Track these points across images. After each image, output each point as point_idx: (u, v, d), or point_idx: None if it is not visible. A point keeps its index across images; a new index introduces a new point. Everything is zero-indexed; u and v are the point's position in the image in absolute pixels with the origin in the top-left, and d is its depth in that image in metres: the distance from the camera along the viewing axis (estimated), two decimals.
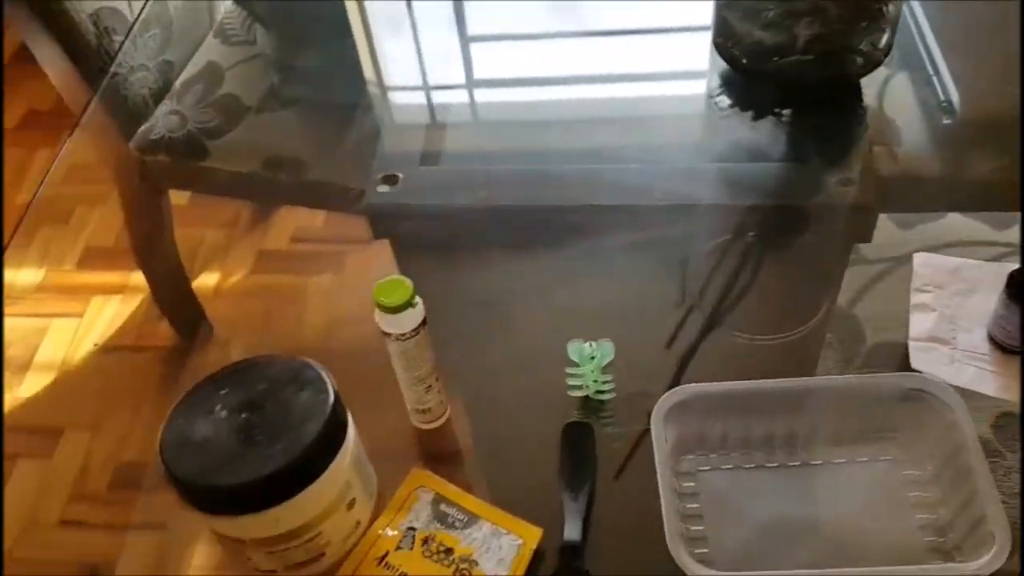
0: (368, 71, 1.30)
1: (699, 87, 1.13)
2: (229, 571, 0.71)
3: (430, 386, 0.75)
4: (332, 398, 0.65)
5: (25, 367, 1.63)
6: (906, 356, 0.80)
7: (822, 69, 0.96)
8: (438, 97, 1.22)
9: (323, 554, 0.68)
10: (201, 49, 1.33)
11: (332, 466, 0.64)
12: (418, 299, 0.69)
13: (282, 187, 1.20)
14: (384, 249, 1.04)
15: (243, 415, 0.64)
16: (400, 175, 1.00)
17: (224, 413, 0.64)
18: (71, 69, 1.35)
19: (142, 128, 1.42)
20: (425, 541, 0.72)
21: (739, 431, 0.74)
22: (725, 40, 1.01)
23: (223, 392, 0.66)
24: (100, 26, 1.34)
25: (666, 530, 0.65)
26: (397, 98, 1.26)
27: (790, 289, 0.90)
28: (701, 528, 0.71)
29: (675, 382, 0.75)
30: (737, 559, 0.67)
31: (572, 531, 0.71)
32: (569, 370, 0.78)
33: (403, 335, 0.69)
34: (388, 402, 0.77)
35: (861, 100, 1.02)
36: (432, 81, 1.24)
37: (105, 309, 1.76)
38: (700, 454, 0.75)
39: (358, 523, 0.71)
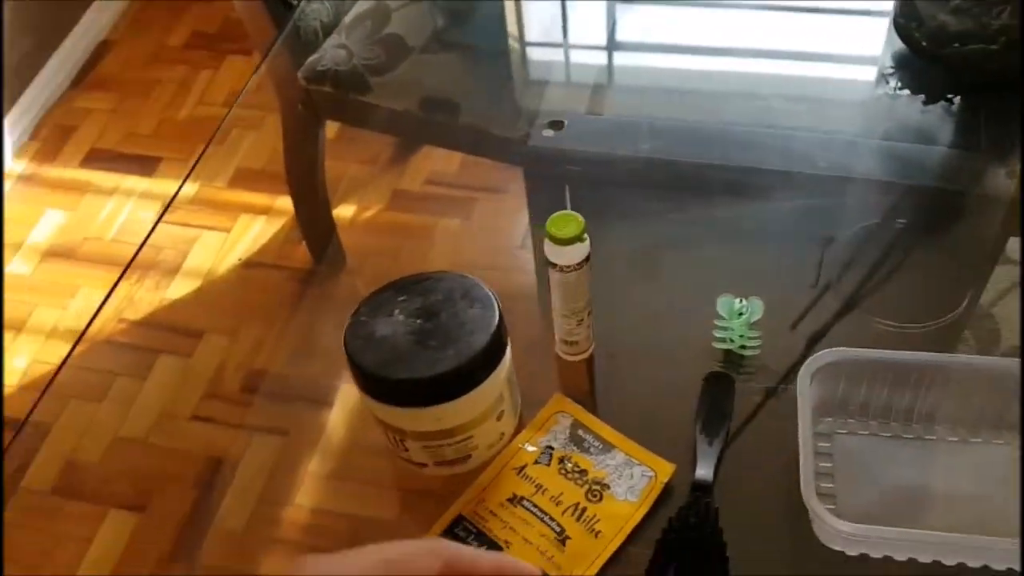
0: (526, 27, 1.33)
1: (871, 67, 1.13)
2: (385, 459, 0.77)
3: (582, 320, 0.79)
4: (497, 316, 0.69)
5: (175, 271, 1.74)
6: None
7: (1005, 58, 0.95)
8: (604, 58, 1.24)
9: (470, 456, 0.73)
10: None
11: (491, 377, 0.69)
12: (586, 235, 0.72)
13: (436, 128, 1.25)
14: (513, 199, 1.09)
15: (418, 321, 0.70)
16: (565, 121, 1.04)
17: (402, 317, 0.70)
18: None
19: (310, 59, 1.49)
20: (561, 460, 0.76)
21: (881, 400, 0.75)
22: (907, 21, 1.01)
23: (401, 299, 0.71)
24: None
25: (801, 476, 0.67)
26: (559, 54, 1.29)
27: (934, 279, 0.90)
28: (831, 486, 0.73)
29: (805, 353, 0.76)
30: (863, 519, 0.69)
31: (705, 471, 0.74)
32: (718, 322, 0.80)
33: (568, 267, 0.73)
34: (527, 335, 0.81)
35: None
36: (598, 41, 1.27)
37: (250, 227, 1.87)
38: (839, 418, 0.76)
39: (503, 434, 0.75)
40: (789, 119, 1.06)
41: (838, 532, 0.66)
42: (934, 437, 0.76)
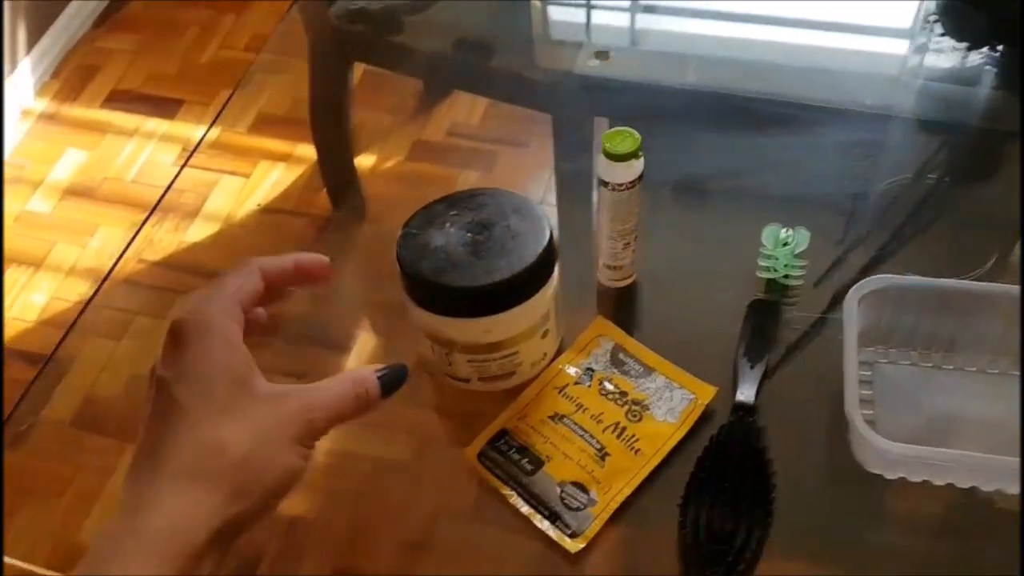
0: None
1: (911, 10, 1.12)
2: (426, 375, 0.77)
3: (628, 243, 0.79)
4: (548, 231, 0.70)
5: (194, 214, 1.74)
6: None
7: None
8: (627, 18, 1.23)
9: (514, 373, 0.74)
10: None
11: (540, 293, 0.70)
12: (641, 152, 0.73)
13: (472, 70, 1.24)
14: (536, 153, 1.08)
15: (470, 234, 0.70)
16: (611, 51, 1.04)
17: (453, 229, 0.70)
18: None
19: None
20: (602, 382, 0.77)
21: (924, 329, 0.76)
22: None
23: (453, 213, 0.72)
24: None
25: (846, 397, 0.68)
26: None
27: (975, 228, 0.90)
28: (871, 412, 0.74)
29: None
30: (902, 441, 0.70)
31: (747, 393, 0.74)
32: (763, 251, 0.81)
33: (621, 185, 0.73)
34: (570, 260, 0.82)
35: None
36: None
37: (270, 173, 1.86)
38: (881, 347, 0.77)
39: (545, 354, 0.76)
40: (832, 64, 1.06)
41: (882, 452, 0.67)
42: (974, 368, 0.76)
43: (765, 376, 0.76)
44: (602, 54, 1.04)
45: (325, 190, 1.23)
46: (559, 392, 0.76)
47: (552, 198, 1.00)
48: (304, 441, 0.45)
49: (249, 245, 1.23)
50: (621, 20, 1.20)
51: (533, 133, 1.13)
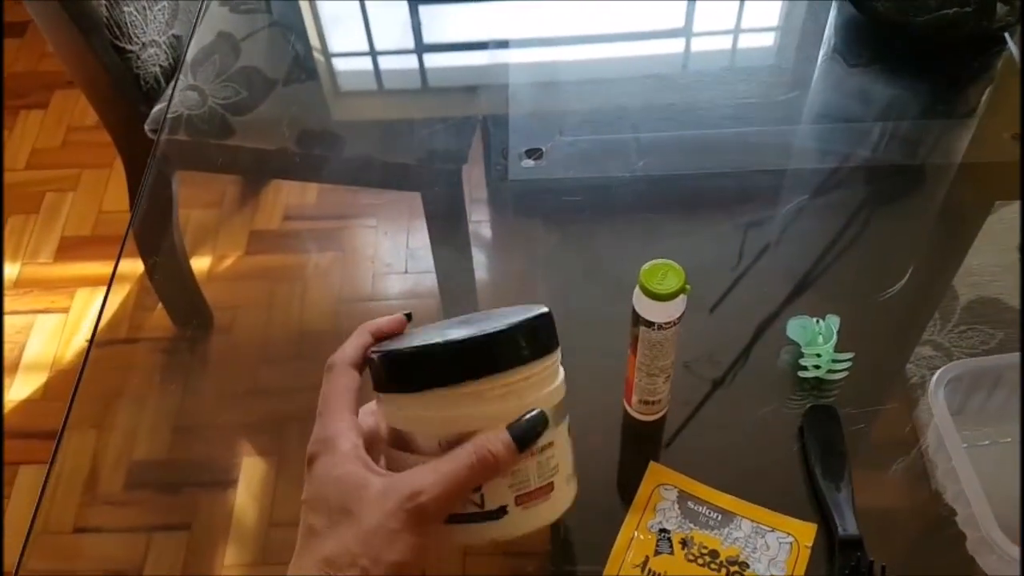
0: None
1: (813, 40, 1.11)
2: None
3: (668, 376, 0.70)
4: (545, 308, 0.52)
5: (14, 368, 1.51)
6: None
7: (979, 21, 0.95)
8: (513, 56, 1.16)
9: (551, 487, 0.51)
10: (207, 19, 1.24)
11: (551, 357, 0.52)
12: (688, 285, 0.64)
13: (322, 164, 1.14)
14: (388, 222, 1.02)
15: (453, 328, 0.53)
16: (544, 148, 0.94)
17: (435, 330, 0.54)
18: (80, 40, 1.23)
19: (157, 107, 1.32)
20: (684, 543, 0.67)
21: (995, 405, 0.72)
22: None
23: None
24: None
25: (975, 510, 0.62)
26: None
27: (881, 255, 0.90)
28: (969, 511, 0.68)
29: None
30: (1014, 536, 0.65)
31: (848, 523, 0.67)
32: (804, 349, 0.74)
33: (667, 324, 0.64)
34: None
35: (1008, 52, 1.02)
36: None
37: (91, 302, 1.66)
38: (963, 430, 0.72)
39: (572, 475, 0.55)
40: (752, 103, 1.02)
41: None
42: None
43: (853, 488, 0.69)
44: (534, 152, 0.95)
45: (162, 307, 1.08)
46: (642, 570, 0.66)
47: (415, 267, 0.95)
48: (412, 528, 0.46)
49: (90, 389, 1.06)
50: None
51: (377, 203, 1.06)
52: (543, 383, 0.50)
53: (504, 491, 0.50)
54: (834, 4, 1.08)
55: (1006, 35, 1.01)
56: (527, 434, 0.48)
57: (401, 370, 0.50)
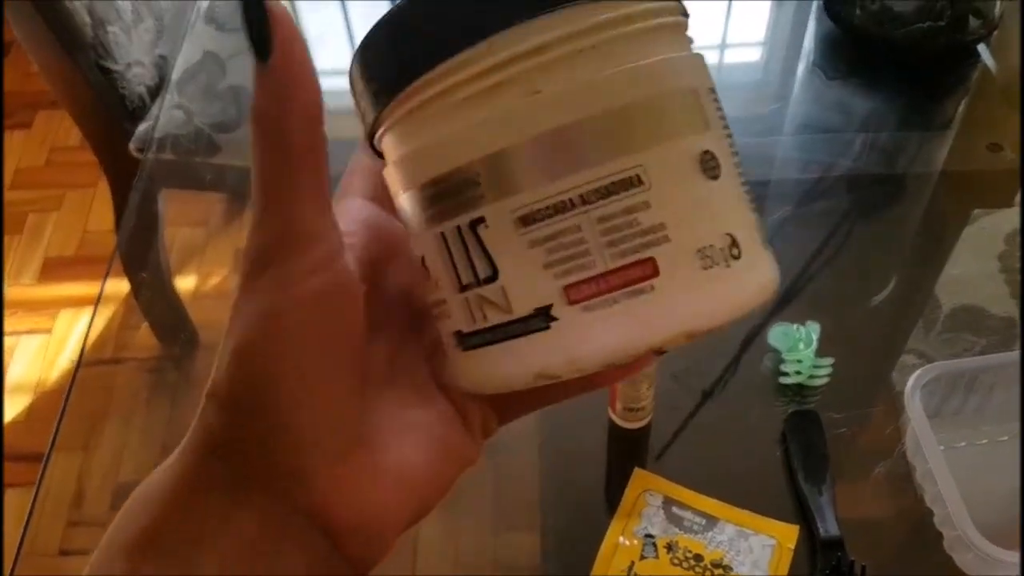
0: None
1: (795, 53, 1.14)
2: None
3: (652, 382, 0.72)
4: None
5: None
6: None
7: (952, 34, 0.98)
8: None
9: (652, 264, 0.25)
10: (192, 39, 1.26)
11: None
12: None
13: None
14: None
15: None
16: None
17: None
18: (65, 60, 1.26)
19: (142, 126, 1.34)
20: (669, 548, 0.69)
21: (971, 407, 0.74)
22: (841, 5, 1.02)
23: None
24: (96, 16, 1.26)
25: (950, 509, 0.65)
26: None
27: (866, 262, 0.92)
28: (946, 512, 0.70)
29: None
30: (999, 537, 0.67)
31: (829, 525, 0.69)
32: (785, 356, 0.76)
33: None
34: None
35: (982, 63, 1.05)
36: None
37: (76, 322, 1.67)
38: (940, 432, 0.74)
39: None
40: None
41: (1002, 562, 0.64)
42: None
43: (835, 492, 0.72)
44: None
45: (147, 326, 1.10)
46: (627, 574, 0.68)
47: None
48: None
49: (75, 411, 1.08)
50: None
51: None
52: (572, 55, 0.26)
53: (537, 278, 0.26)
54: (813, 18, 1.12)
55: (979, 48, 1.04)
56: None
57: None
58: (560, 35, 0.25)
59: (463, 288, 0.27)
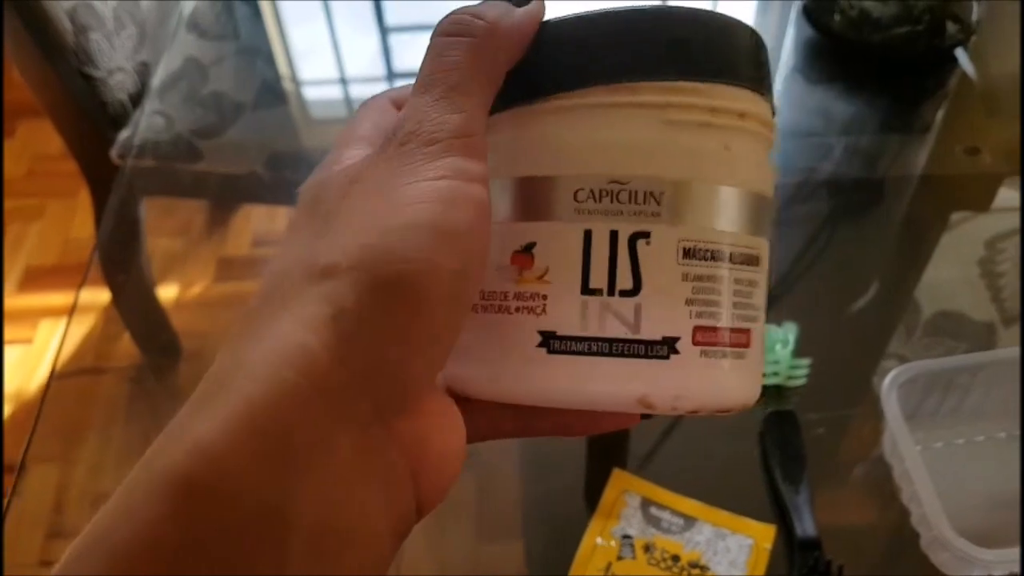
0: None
1: (775, 58, 1.15)
2: None
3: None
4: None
5: None
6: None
7: (929, 38, 0.99)
8: None
9: (748, 338, 0.30)
10: (175, 45, 1.27)
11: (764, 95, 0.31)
12: None
13: (293, 187, 1.16)
14: None
15: None
16: None
17: None
18: (46, 67, 1.26)
19: (123, 134, 1.34)
20: (647, 548, 0.69)
21: (949, 406, 0.75)
22: (821, 11, 1.03)
23: None
24: (77, 23, 1.26)
25: (927, 508, 0.65)
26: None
27: (847, 267, 0.93)
28: (922, 512, 0.71)
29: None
30: (970, 535, 0.67)
31: (807, 525, 0.70)
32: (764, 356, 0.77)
33: None
34: None
35: (960, 68, 1.06)
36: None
37: (55, 332, 1.66)
38: (917, 432, 0.75)
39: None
40: None
41: (977, 560, 0.64)
42: (1003, 435, 0.76)
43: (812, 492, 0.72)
44: None
45: (129, 335, 1.10)
46: (604, 574, 0.68)
47: None
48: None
49: (53, 422, 1.08)
50: None
51: None
52: (754, 137, 0.29)
53: (677, 309, 0.28)
54: (792, 24, 1.13)
55: (957, 52, 1.05)
56: None
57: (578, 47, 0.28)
58: (752, 112, 0.28)
59: (588, 291, 0.27)
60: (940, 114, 1.06)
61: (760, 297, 0.29)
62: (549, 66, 0.28)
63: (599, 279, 0.27)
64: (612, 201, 0.26)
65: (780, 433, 0.75)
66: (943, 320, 0.86)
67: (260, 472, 0.23)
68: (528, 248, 0.27)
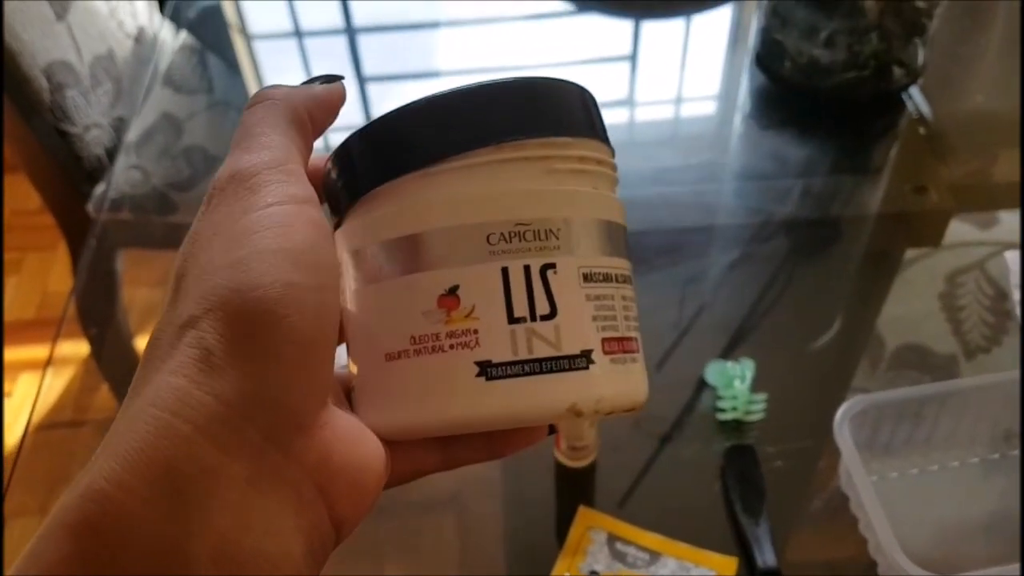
0: None
1: (730, 106, 1.18)
2: None
3: (592, 422, 0.74)
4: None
5: None
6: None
7: (875, 82, 1.02)
8: None
9: (636, 344, 0.34)
10: (150, 100, 1.29)
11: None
12: None
13: None
14: None
15: None
16: None
17: None
18: (22, 125, 1.27)
19: (99, 188, 1.36)
20: None
21: (900, 438, 0.77)
22: (772, 57, 1.06)
23: None
24: (53, 81, 1.28)
25: (880, 537, 0.67)
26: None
27: (811, 303, 0.96)
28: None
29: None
30: (928, 562, 0.69)
31: (767, 556, 0.71)
32: (720, 392, 0.79)
33: None
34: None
35: (907, 110, 1.10)
36: None
37: (34, 386, 1.66)
38: (872, 463, 0.77)
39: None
40: (674, 169, 1.08)
41: None
42: (957, 463, 0.78)
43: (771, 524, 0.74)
44: None
45: (108, 387, 1.10)
46: None
47: None
48: None
49: (34, 475, 1.08)
50: None
51: None
52: (609, 179, 0.35)
53: (587, 326, 0.32)
54: (746, 72, 1.16)
55: (905, 95, 1.08)
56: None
57: (432, 125, 0.32)
58: (605, 159, 0.34)
59: (513, 320, 0.30)
60: (891, 155, 1.09)
61: (636, 309, 0.34)
62: (440, 134, 0.31)
63: (521, 308, 0.30)
64: (520, 240, 0.30)
65: (740, 466, 0.77)
66: (907, 353, 0.88)
67: (152, 510, 0.24)
68: (452, 291, 0.30)
